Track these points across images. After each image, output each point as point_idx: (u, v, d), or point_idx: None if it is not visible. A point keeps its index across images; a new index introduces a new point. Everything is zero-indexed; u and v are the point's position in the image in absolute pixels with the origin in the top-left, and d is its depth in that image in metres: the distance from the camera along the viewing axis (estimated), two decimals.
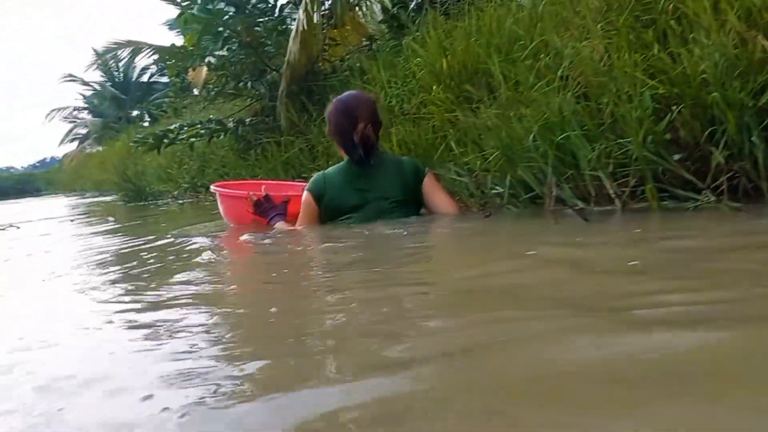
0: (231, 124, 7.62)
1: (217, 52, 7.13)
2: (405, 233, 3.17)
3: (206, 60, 7.10)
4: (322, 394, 1.11)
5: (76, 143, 32.80)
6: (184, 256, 3.39)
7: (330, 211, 3.63)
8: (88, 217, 8.51)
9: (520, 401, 0.98)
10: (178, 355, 1.45)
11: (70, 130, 32.61)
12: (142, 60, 28.39)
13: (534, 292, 1.65)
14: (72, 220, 7.84)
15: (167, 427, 1.06)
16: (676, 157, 2.74)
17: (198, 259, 3.16)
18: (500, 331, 1.31)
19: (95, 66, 23.51)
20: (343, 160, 3.68)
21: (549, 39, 3.58)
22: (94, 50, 15.48)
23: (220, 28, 6.81)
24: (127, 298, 2.28)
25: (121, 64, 29.05)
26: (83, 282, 2.78)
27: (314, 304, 1.94)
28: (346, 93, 3.85)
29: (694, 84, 2.70)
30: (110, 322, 1.90)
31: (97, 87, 30.73)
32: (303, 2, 6.03)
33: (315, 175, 3.79)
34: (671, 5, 3.01)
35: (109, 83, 30.47)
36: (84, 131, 32.04)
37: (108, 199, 14.77)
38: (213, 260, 3.22)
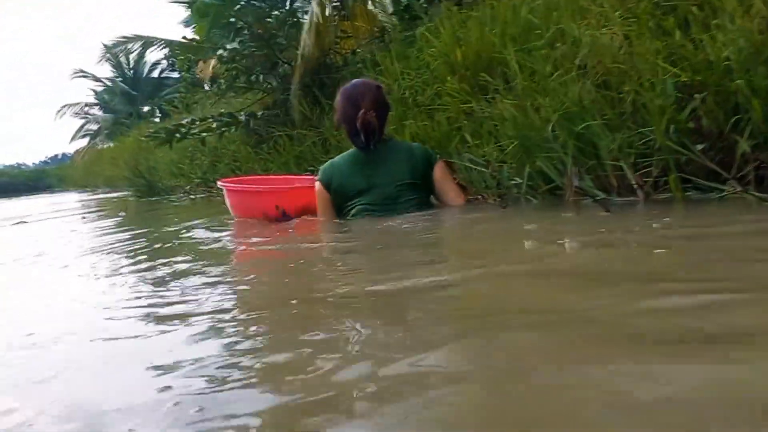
0: (243, 118, 7.59)
1: (228, 45, 7.08)
2: (426, 225, 3.19)
3: (217, 53, 7.05)
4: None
5: (87, 139, 32.91)
6: (193, 247, 3.40)
7: (338, 196, 3.71)
8: (99, 213, 8.50)
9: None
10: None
11: (82, 126, 32.71)
12: (153, 55, 28.60)
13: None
14: (83, 217, 7.82)
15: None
16: (699, 146, 2.68)
17: (211, 253, 3.16)
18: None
19: (104, 60, 23.47)
20: (353, 149, 3.76)
21: (566, 27, 3.52)
22: (104, 45, 15.45)
23: (232, 19, 6.76)
24: (144, 291, 2.25)
25: (131, 58, 29.08)
26: (94, 273, 2.79)
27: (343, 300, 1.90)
28: (353, 81, 3.92)
29: (717, 71, 2.64)
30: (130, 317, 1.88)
31: (108, 83, 30.78)
32: None
33: (324, 165, 3.91)
34: None
35: (119, 79, 30.51)
36: (95, 127, 32.11)
37: (120, 194, 14.78)
38: (223, 255, 3.27)
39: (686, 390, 0.90)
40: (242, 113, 7.76)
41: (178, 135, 7.57)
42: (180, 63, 8.43)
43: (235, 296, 2.09)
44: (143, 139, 8.70)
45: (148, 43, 11.02)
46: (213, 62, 7.47)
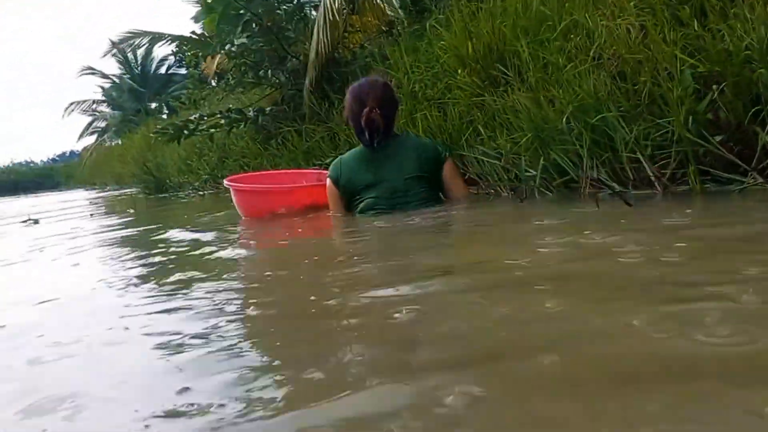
0: (251, 114, 7.56)
1: (236, 40, 7.04)
2: (445, 220, 3.17)
3: (226, 47, 7.01)
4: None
5: (95, 137, 32.95)
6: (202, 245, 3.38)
7: (347, 192, 3.78)
8: (107, 211, 8.50)
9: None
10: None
11: (90, 124, 32.76)
12: (160, 51, 28.62)
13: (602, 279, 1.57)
14: (91, 214, 7.81)
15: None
16: (717, 138, 2.63)
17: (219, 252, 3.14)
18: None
19: (110, 55, 23.42)
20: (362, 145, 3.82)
21: (579, 18, 3.47)
22: (110, 40, 15.42)
23: (241, 11, 6.72)
24: (153, 289, 2.23)
25: (138, 54, 29.11)
26: (103, 271, 2.75)
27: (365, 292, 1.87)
28: (361, 79, 3.97)
29: (736, 61, 2.59)
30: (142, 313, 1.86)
31: (115, 80, 30.82)
32: None
33: (333, 161, 3.99)
34: None
35: (127, 76, 30.55)
36: (103, 124, 32.17)
37: (128, 192, 14.80)
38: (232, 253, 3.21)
39: None
40: (250, 109, 7.73)
41: (186, 131, 7.54)
42: (188, 59, 8.38)
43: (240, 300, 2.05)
44: (151, 135, 8.65)
45: (155, 38, 10.97)
46: (218, 58, 7.43)
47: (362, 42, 7.25)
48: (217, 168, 9.44)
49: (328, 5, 5.97)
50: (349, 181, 3.75)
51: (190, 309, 1.82)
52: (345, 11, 6.26)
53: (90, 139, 33.46)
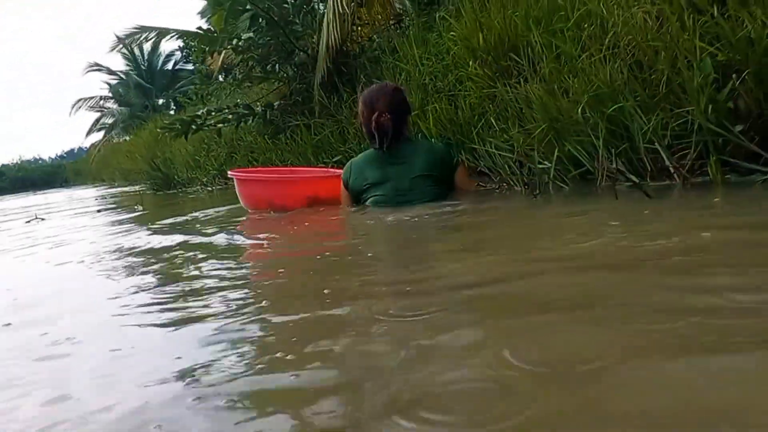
0: (259, 109, 7.51)
1: (243, 35, 6.99)
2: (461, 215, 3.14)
3: (233, 42, 6.95)
4: None
5: (102, 133, 32.97)
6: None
7: (354, 192, 3.96)
8: (115, 207, 8.48)
9: None
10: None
11: (97, 120, 32.78)
12: (167, 47, 28.59)
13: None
14: (98, 211, 7.79)
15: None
16: (738, 128, 2.57)
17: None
18: None
19: (117, 51, 23.37)
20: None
21: (592, 7, 3.40)
22: (116, 36, 15.36)
23: (248, 6, 6.67)
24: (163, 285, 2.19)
25: (145, 49, 29.10)
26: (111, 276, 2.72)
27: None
28: (372, 85, 4.08)
29: (758, 49, 2.52)
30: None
31: (122, 76, 30.82)
32: None
33: (346, 164, 4.12)
34: None
35: (134, 72, 30.55)
36: (110, 121, 32.18)
37: (136, 188, 14.79)
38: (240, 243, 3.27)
39: None
40: (258, 104, 7.68)
41: (193, 126, 7.50)
42: (195, 54, 8.32)
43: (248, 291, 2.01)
44: (159, 131, 8.60)
45: (161, 33, 10.92)
46: (224, 53, 7.36)
47: (370, 35, 7.19)
48: (225, 163, 9.40)
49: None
50: (356, 181, 3.91)
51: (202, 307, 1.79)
52: (353, 4, 6.19)
53: (97, 136, 33.52)
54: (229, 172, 4.89)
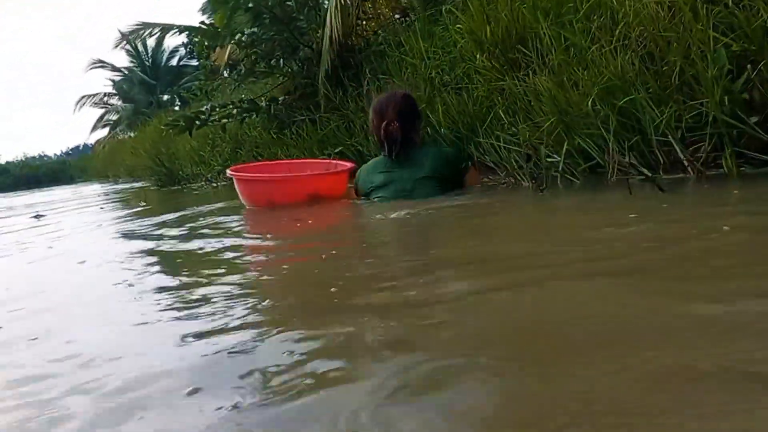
0: (264, 104, 7.45)
1: (246, 30, 6.93)
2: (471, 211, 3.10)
3: (236, 37, 6.89)
4: None
5: (107, 130, 32.98)
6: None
7: (360, 194, 4.11)
8: (118, 203, 8.45)
9: None
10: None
11: (101, 117, 32.78)
12: (171, 42, 28.54)
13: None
14: (101, 207, 7.77)
15: None
16: (753, 119, 2.52)
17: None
18: None
19: (120, 47, 23.35)
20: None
21: None
22: (120, 32, 15.31)
23: (250, 4, 6.60)
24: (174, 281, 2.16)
25: (149, 45, 29.09)
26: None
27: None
28: (386, 93, 4.15)
29: None
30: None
31: (126, 72, 30.80)
32: None
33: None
34: None
35: (138, 68, 30.52)
36: (115, 117, 32.18)
37: (141, 184, 14.77)
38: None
39: None
40: (263, 99, 7.62)
41: (197, 123, 7.45)
42: (199, 49, 8.27)
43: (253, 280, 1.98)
44: (163, 128, 8.55)
45: (165, 29, 10.87)
46: (229, 48, 7.30)
47: (375, 30, 7.13)
48: (230, 159, 9.35)
49: None
50: (364, 184, 4.05)
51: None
52: None
53: (102, 132, 33.53)
54: (227, 172, 4.84)
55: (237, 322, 1.52)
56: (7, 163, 48.93)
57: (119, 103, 31.95)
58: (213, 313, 1.63)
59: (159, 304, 1.87)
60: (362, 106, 5.68)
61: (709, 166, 2.69)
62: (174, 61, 31.05)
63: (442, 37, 4.94)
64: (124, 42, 19.78)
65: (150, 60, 30.69)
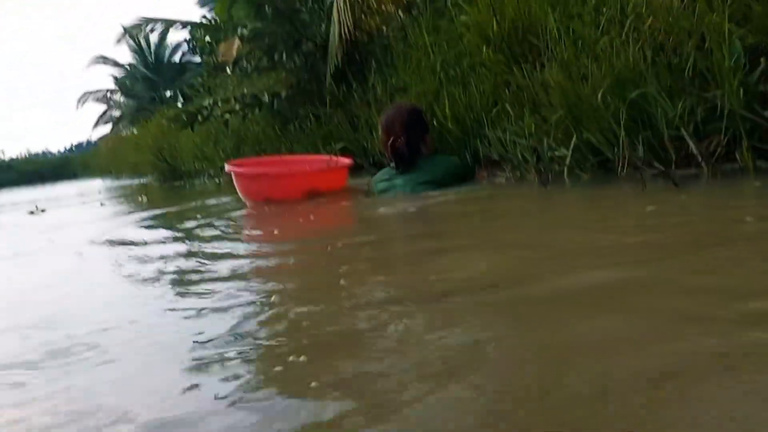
0: (266, 99, 7.39)
1: (249, 24, 6.85)
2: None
3: (239, 32, 6.83)
4: None
5: (110, 126, 32.91)
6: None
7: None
8: (119, 199, 8.42)
9: None
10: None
11: (104, 113, 32.72)
12: (173, 38, 28.45)
13: None
14: (102, 204, 7.73)
15: None
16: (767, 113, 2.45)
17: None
18: None
19: (123, 42, 23.24)
20: None
21: None
22: (123, 27, 15.23)
23: None
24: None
25: (152, 40, 29.00)
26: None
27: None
28: (393, 106, 4.24)
29: None
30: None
31: (129, 68, 30.72)
32: None
33: None
34: None
35: (140, 63, 30.44)
36: (117, 114, 32.11)
37: (143, 180, 14.74)
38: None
39: None
40: (266, 94, 7.56)
41: (199, 117, 7.40)
42: (201, 44, 8.18)
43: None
44: (165, 122, 8.48)
45: (167, 24, 10.79)
46: (236, 44, 7.22)
47: (379, 25, 7.04)
48: (232, 154, 9.30)
49: None
50: (372, 188, 4.14)
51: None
52: None
53: (105, 129, 33.47)
54: (225, 166, 4.79)
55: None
56: (11, 159, 48.91)
57: (122, 99, 31.88)
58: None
59: (162, 303, 1.82)
60: (367, 101, 5.61)
61: (722, 160, 2.63)
62: (177, 57, 30.96)
63: (447, 30, 4.87)
64: (127, 37, 19.72)
65: (153, 56, 30.61)
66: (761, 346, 0.92)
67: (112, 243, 3.25)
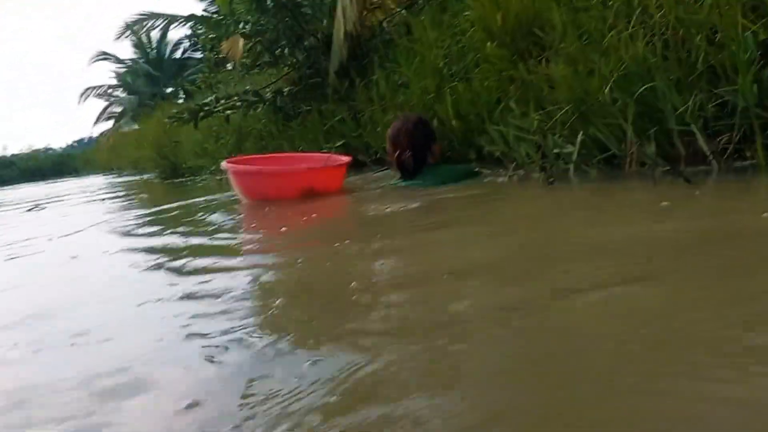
0: (268, 96, 7.34)
1: (251, 20, 6.79)
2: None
3: (240, 26, 6.76)
4: None
5: (111, 122, 32.85)
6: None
7: None
8: (120, 196, 8.38)
9: None
10: None
11: (105, 109, 32.67)
12: (175, 35, 28.38)
13: None
14: (102, 200, 7.70)
15: None
16: None
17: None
18: None
19: (125, 38, 23.17)
20: None
21: None
22: (125, 22, 15.19)
23: None
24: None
25: (153, 37, 28.91)
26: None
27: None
28: (400, 118, 4.26)
29: None
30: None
31: (130, 63, 30.66)
32: None
33: None
34: None
35: (142, 59, 30.38)
36: (119, 110, 32.05)
37: (144, 177, 14.71)
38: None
39: None
40: (268, 90, 7.51)
41: (202, 113, 7.34)
42: (203, 41, 8.12)
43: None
44: (167, 121, 8.42)
45: (169, 19, 10.75)
46: (240, 42, 7.16)
47: (381, 20, 6.99)
48: (234, 151, 9.24)
49: None
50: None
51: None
52: None
53: (107, 125, 33.40)
54: (222, 164, 4.74)
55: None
56: (13, 155, 48.92)
57: (123, 95, 31.83)
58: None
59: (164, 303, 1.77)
60: (370, 96, 5.56)
61: (732, 157, 2.57)
62: (178, 53, 30.90)
63: (450, 25, 4.81)
64: (128, 33, 19.67)
65: (155, 52, 30.55)
66: None
67: (109, 243, 3.20)
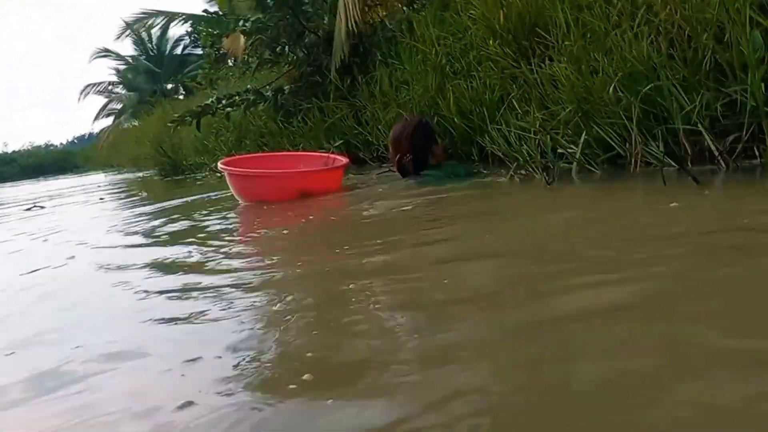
0: (269, 94, 7.30)
1: (251, 17, 6.75)
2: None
3: (240, 23, 6.72)
4: None
5: (111, 119, 32.80)
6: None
7: None
8: (119, 194, 8.35)
9: None
10: None
11: (105, 105, 32.61)
12: (175, 32, 28.33)
13: None
14: (101, 198, 7.67)
15: None
16: None
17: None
18: None
19: (125, 36, 23.12)
20: None
21: None
22: (124, 21, 15.15)
23: None
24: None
25: (154, 34, 28.86)
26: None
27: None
28: (401, 121, 4.29)
29: None
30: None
31: (130, 60, 30.61)
32: None
33: None
34: None
35: (142, 56, 30.33)
36: (119, 106, 32.01)
37: (144, 174, 14.68)
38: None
39: None
40: (268, 88, 7.47)
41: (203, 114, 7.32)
42: (204, 39, 8.07)
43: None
44: (170, 125, 8.36)
45: (169, 16, 10.71)
46: (241, 39, 7.11)
47: (382, 17, 6.95)
48: (234, 148, 9.21)
49: None
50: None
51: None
52: None
53: (106, 121, 33.36)
54: (218, 164, 4.69)
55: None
56: (14, 152, 48.95)
57: (123, 91, 31.78)
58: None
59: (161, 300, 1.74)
60: (372, 93, 5.52)
61: (740, 156, 2.53)
62: (179, 50, 30.85)
63: (452, 22, 4.77)
64: (128, 33, 19.63)
65: (155, 49, 30.50)
66: None
67: (107, 244, 3.17)
